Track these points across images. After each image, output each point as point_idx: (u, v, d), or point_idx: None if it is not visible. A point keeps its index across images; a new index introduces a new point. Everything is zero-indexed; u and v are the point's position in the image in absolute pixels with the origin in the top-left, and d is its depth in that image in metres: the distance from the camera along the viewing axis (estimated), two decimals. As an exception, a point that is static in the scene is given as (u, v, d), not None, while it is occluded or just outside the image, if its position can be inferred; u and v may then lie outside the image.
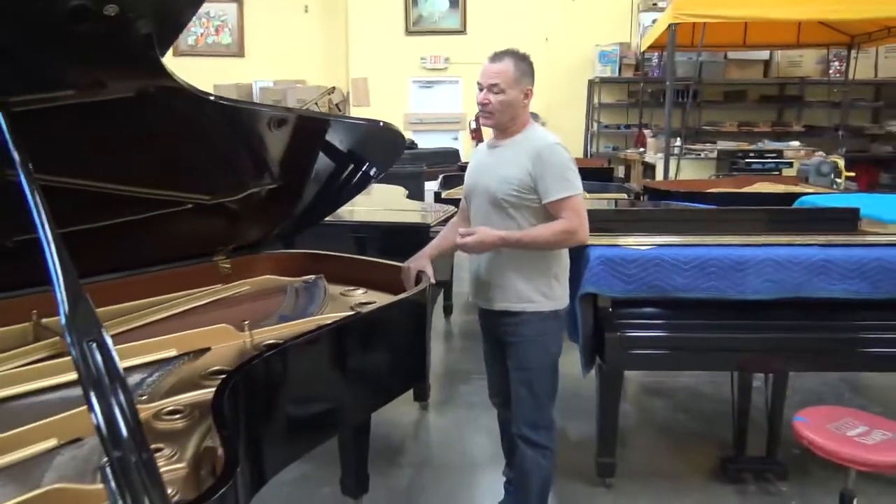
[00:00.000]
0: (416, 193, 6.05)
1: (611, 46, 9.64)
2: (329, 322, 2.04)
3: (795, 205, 4.27)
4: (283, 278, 2.73)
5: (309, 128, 2.33)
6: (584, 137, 9.93)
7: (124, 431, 1.06)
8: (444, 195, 5.33)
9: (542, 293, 2.33)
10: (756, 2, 6.59)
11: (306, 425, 1.90)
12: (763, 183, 5.87)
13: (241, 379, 1.59)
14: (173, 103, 1.76)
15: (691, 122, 8.54)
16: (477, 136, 9.18)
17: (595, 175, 6.13)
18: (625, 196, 5.52)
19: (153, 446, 1.25)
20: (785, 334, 2.75)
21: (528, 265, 2.32)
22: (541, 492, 2.46)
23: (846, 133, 8.84)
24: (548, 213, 2.28)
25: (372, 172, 2.71)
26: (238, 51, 10.27)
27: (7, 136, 1.35)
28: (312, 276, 2.67)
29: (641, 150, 8.75)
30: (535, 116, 2.42)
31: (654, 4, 9.40)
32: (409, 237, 3.44)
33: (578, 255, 2.68)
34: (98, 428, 1.05)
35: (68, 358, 1.72)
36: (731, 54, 9.29)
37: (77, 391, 1.62)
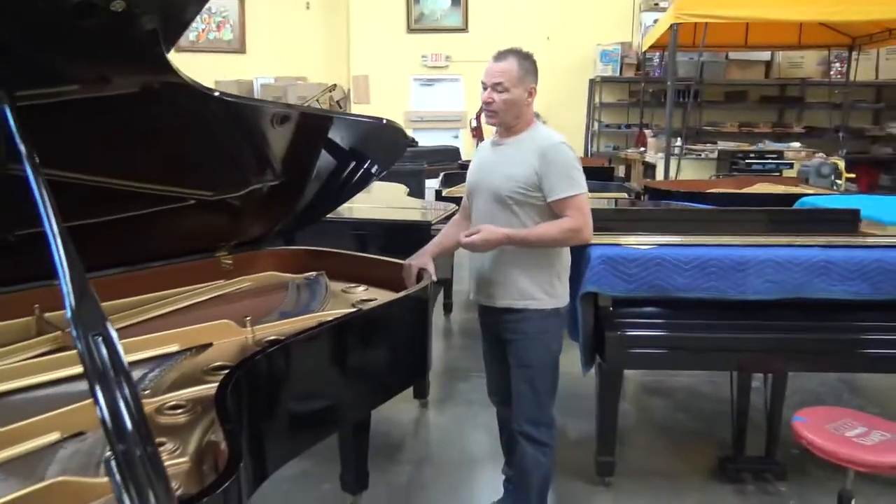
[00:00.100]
0: (417, 191, 6.04)
1: (612, 46, 9.64)
2: (331, 319, 2.04)
3: (796, 206, 4.27)
4: (284, 275, 2.73)
5: (312, 124, 2.33)
6: (585, 137, 9.92)
7: (129, 425, 1.06)
8: (444, 193, 5.33)
9: (545, 291, 2.34)
10: (757, 2, 6.59)
11: (308, 421, 1.90)
12: (763, 184, 5.87)
13: (244, 374, 1.59)
14: (178, 99, 1.76)
15: (692, 123, 8.54)
16: (477, 134, 9.18)
17: (595, 174, 6.12)
18: (625, 196, 5.52)
19: (156, 440, 1.26)
20: (785, 335, 2.76)
21: (531, 263, 2.33)
22: (541, 489, 2.47)
23: (847, 134, 8.84)
24: (552, 211, 2.29)
25: (374, 170, 2.71)
26: (239, 47, 10.25)
27: (14, 129, 1.36)
28: (314, 273, 2.67)
29: (642, 149, 8.76)
30: (535, 115, 2.42)
31: (656, 4, 9.40)
32: (411, 235, 3.44)
33: (579, 255, 2.69)
34: (103, 421, 1.06)
35: (71, 352, 1.73)
36: (733, 55, 9.29)
37: (80, 385, 1.63)
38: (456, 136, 10.14)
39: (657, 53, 9.23)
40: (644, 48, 8.83)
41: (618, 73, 9.72)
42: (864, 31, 7.94)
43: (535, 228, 2.29)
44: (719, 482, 2.99)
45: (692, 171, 7.32)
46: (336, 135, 2.42)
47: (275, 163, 2.37)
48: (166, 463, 1.28)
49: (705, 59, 8.63)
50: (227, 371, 1.64)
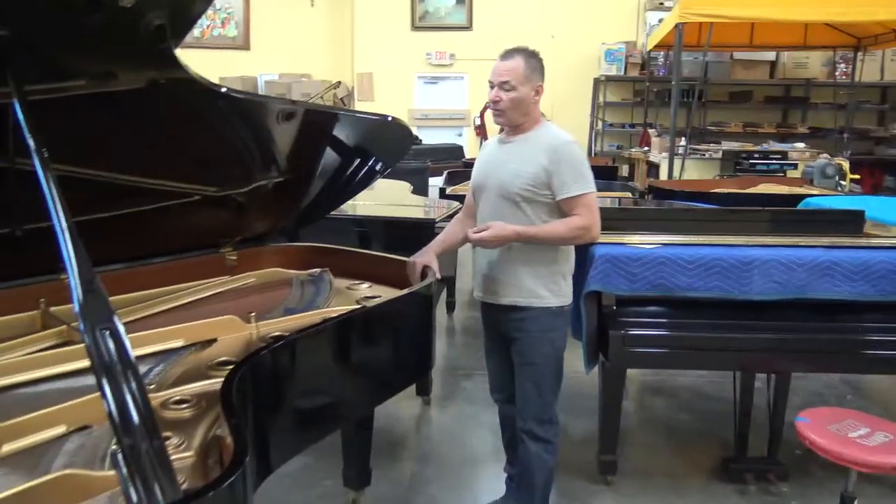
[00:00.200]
0: (420, 189, 6.05)
1: (617, 45, 9.63)
2: (335, 315, 2.05)
3: (800, 206, 4.27)
4: (288, 271, 2.73)
5: (317, 121, 2.34)
6: (589, 136, 9.91)
7: (136, 418, 1.07)
8: (448, 191, 5.33)
9: (550, 289, 2.35)
10: (763, 2, 6.58)
11: (312, 417, 1.91)
12: (767, 184, 5.87)
13: (249, 370, 1.60)
14: (185, 95, 1.77)
15: (696, 122, 8.53)
16: (481, 132, 9.18)
17: (599, 173, 6.08)
18: (629, 195, 5.52)
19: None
20: (788, 335, 2.75)
21: (537, 261, 2.33)
22: (544, 487, 2.47)
23: (851, 135, 8.82)
24: (560, 209, 2.29)
25: (378, 167, 2.71)
26: (244, 44, 10.26)
27: (23, 123, 1.36)
28: (318, 270, 2.68)
29: (646, 149, 8.75)
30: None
31: (661, 3, 9.38)
32: (414, 233, 3.45)
33: (583, 254, 2.69)
34: (110, 415, 1.06)
35: (76, 346, 1.74)
36: (738, 55, 9.28)
37: (85, 379, 1.64)
38: (460, 135, 10.14)
39: (662, 53, 9.21)
40: (649, 47, 8.82)
41: (622, 73, 9.71)
42: (869, 31, 7.93)
43: (545, 226, 2.29)
44: (721, 482, 2.98)
45: (696, 171, 7.31)
46: (341, 132, 2.42)
47: (280, 159, 2.37)
48: (172, 457, 1.29)
49: (710, 58, 8.60)
50: (231, 366, 1.64)
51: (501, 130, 2.45)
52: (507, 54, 2.29)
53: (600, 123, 9.97)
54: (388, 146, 2.67)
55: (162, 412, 1.55)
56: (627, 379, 3.22)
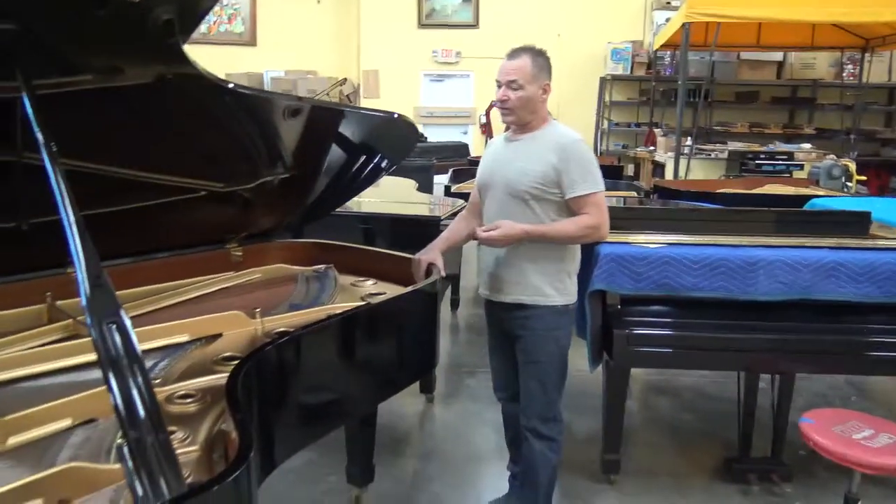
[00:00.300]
0: (425, 187, 6.05)
1: (623, 44, 9.60)
2: (340, 312, 2.05)
3: (806, 207, 4.26)
4: (293, 267, 2.74)
5: (323, 118, 2.34)
6: (595, 135, 9.89)
7: (142, 412, 1.08)
8: (453, 189, 5.33)
9: (556, 288, 2.35)
10: (770, 2, 6.56)
11: (316, 413, 1.91)
12: (773, 184, 5.85)
13: (254, 365, 1.60)
14: (192, 90, 1.77)
15: (702, 122, 8.51)
16: (487, 130, 9.18)
17: (604, 173, 6.08)
18: (634, 194, 5.51)
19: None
20: (793, 336, 2.75)
21: (544, 259, 2.33)
22: (548, 485, 2.48)
23: (858, 136, 8.80)
24: (569, 207, 2.29)
25: (384, 164, 2.72)
26: (250, 40, 10.26)
27: (32, 117, 1.37)
28: (323, 266, 2.68)
29: (651, 148, 8.73)
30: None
31: (668, 3, 9.36)
32: (419, 230, 3.45)
33: (588, 253, 2.68)
34: (116, 408, 1.07)
35: (82, 340, 1.75)
36: (744, 55, 9.24)
37: (91, 373, 1.64)
38: (465, 132, 10.13)
39: (668, 52, 9.18)
40: (655, 47, 8.79)
41: (628, 72, 9.68)
42: (877, 32, 7.89)
43: (554, 224, 2.30)
44: (725, 482, 2.98)
45: (702, 170, 7.30)
46: (347, 129, 2.42)
47: (286, 156, 2.37)
48: (177, 451, 1.29)
49: (717, 58, 8.59)
50: (236, 361, 1.65)
51: (508, 128, 2.45)
52: (514, 53, 2.29)
53: (606, 122, 9.95)
54: (394, 143, 2.67)
55: (167, 406, 1.55)
56: (631, 378, 3.22)
